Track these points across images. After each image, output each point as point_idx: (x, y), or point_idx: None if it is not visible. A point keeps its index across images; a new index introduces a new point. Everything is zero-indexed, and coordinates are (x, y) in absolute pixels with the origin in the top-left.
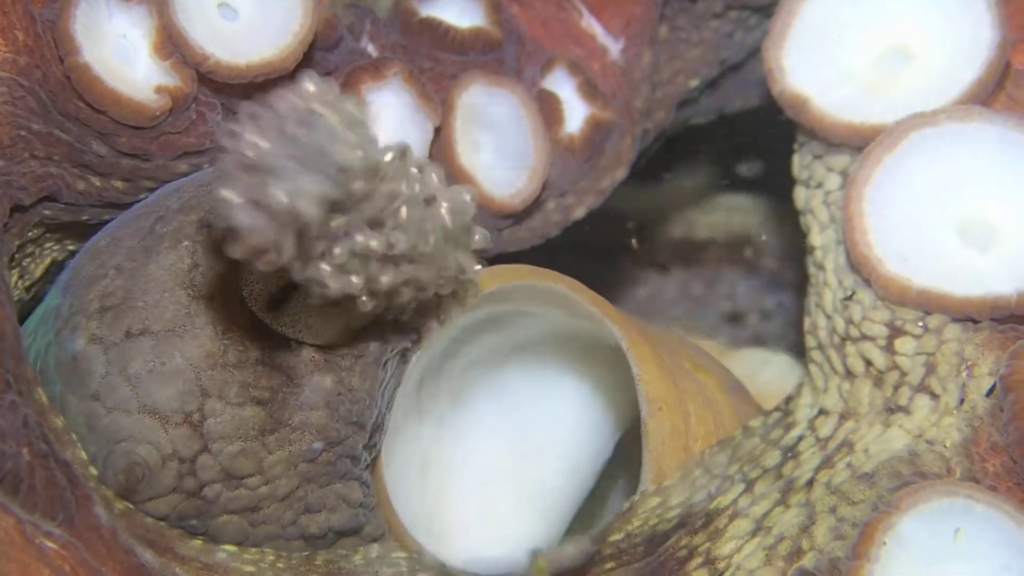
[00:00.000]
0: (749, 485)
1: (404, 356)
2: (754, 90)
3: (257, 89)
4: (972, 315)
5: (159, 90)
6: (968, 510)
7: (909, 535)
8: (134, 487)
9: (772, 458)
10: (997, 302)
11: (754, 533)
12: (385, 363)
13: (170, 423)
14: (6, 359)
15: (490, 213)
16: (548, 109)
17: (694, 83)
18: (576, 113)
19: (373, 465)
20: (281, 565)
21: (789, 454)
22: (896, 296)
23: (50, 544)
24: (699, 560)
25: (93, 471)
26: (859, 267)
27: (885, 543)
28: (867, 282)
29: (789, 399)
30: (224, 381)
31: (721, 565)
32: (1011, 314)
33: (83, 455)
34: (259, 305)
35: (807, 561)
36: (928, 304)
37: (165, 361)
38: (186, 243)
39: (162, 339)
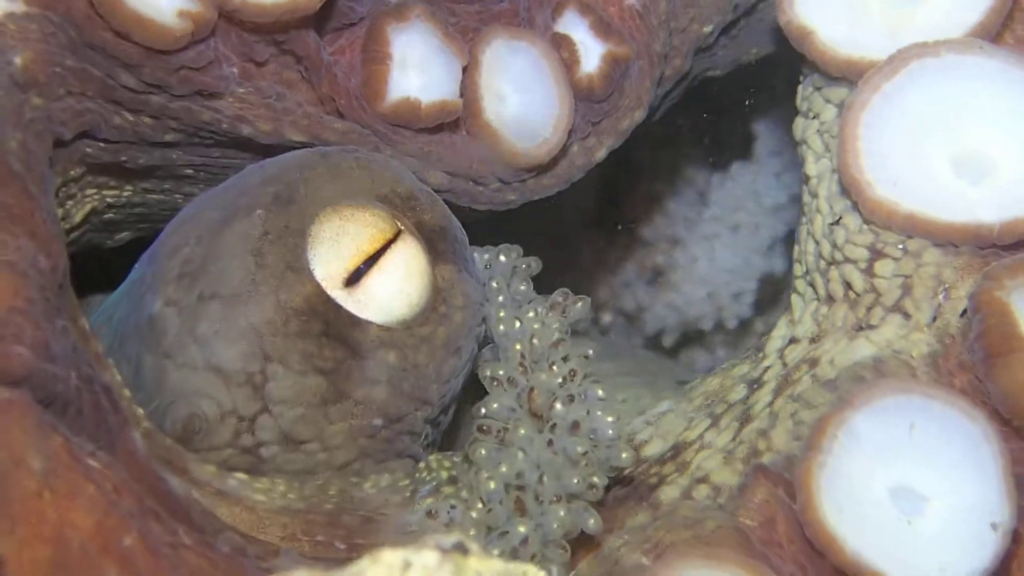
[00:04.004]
0: (715, 420)
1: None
2: (767, 37)
3: (282, 29)
4: (955, 241)
5: (182, 14)
6: (924, 407)
7: (862, 429)
8: (191, 437)
9: (738, 392)
10: (980, 229)
11: (712, 455)
12: (458, 349)
13: (232, 382)
14: (56, 289)
15: (518, 166)
16: (564, 52)
17: (708, 29)
18: (592, 53)
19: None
20: (293, 496)
21: (755, 385)
22: (882, 219)
23: (94, 463)
24: (667, 488)
25: (127, 392)
26: (849, 189)
27: (837, 436)
28: (855, 205)
29: (764, 336)
30: (286, 348)
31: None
32: (993, 243)
33: (119, 378)
34: (333, 282)
35: (764, 461)
36: (913, 228)
37: (230, 324)
38: (259, 212)
39: (229, 303)
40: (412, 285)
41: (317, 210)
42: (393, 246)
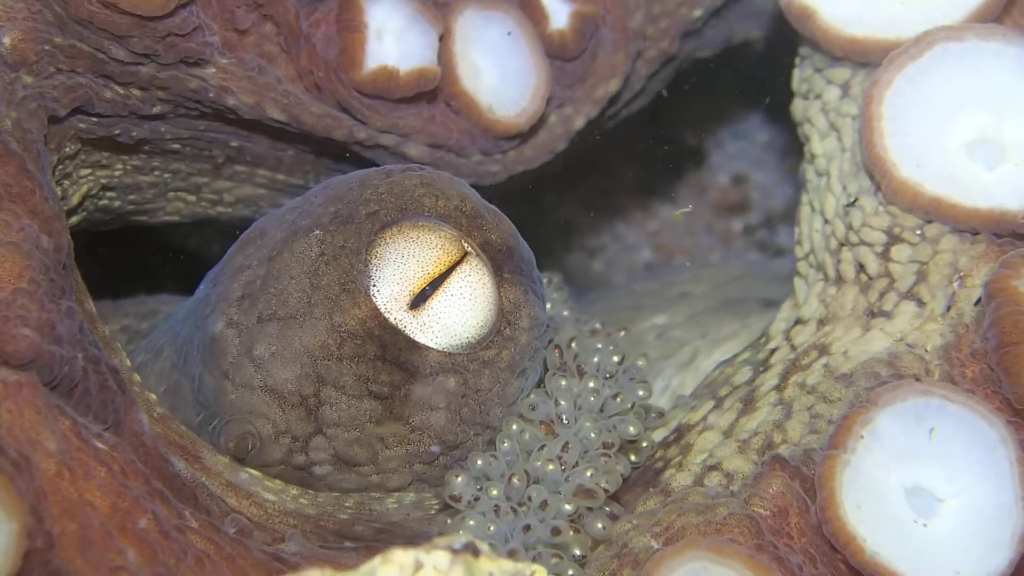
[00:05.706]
0: (719, 402)
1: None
2: (757, 20)
3: None
4: (977, 227)
5: None
6: (943, 410)
7: (885, 430)
8: (244, 454)
9: (743, 375)
10: (1004, 216)
11: (722, 441)
12: (523, 371)
13: (287, 404)
14: (60, 269)
15: (498, 135)
16: (531, 11)
17: (697, 13)
18: (560, 14)
19: None
20: (305, 501)
21: (761, 368)
22: (906, 201)
23: (101, 445)
24: (673, 471)
25: (137, 377)
26: (872, 168)
27: (863, 436)
28: (877, 185)
29: (769, 323)
30: (340, 372)
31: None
32: (1013, 231)
33: (127, 362)
34: (397, 303)
35: (781, 452)
36: (937, 212)
37: (286, 346)
38: (317, 232)
39: (285, 325)
40: (478, 308)
41: (376, 229)
42: (459, 268)
